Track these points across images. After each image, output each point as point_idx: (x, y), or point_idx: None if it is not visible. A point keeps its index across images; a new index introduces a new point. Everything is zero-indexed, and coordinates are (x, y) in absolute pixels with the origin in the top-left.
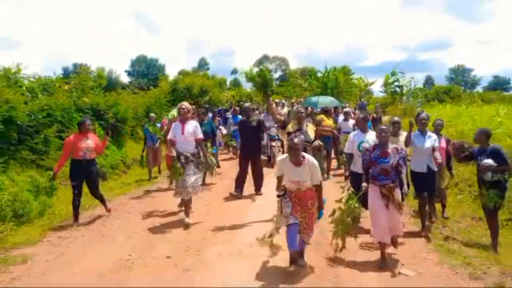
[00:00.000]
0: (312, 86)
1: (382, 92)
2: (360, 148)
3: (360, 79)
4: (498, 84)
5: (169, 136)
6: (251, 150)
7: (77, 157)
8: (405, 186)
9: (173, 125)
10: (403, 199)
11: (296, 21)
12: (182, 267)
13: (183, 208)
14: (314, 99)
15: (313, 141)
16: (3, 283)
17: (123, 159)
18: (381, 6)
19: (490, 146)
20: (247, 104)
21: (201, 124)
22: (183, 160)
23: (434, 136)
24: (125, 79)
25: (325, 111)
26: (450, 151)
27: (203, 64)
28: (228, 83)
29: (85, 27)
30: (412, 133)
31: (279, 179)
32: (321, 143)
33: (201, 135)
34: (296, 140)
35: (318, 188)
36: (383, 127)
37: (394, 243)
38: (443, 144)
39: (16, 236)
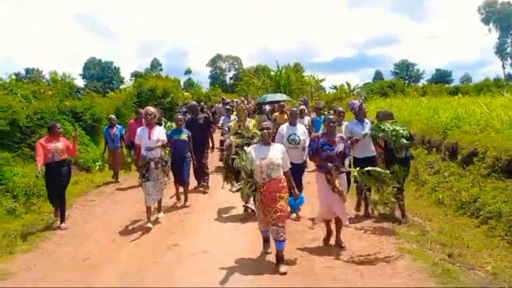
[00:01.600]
0: (266, 84)
1: (331, 88)
2: (289, 140)
3: (311, 77)
4: (440, 77)
5: (136, 141)
6: (201, 144)
7: (46, 159)
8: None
9: (139, 129)
10: (349, 185)
11: (248, 20)
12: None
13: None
14: (264, 96)
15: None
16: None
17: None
18: (330, 6)
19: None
20: (193, 102)
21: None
22: (153, 166)
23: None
24: (79, 82)
25: (280, 107)
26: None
27: (155, 65)
28: (182, 83)
29: (28, 31)
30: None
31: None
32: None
33: (165, 139)
34: (267, 122)
35: (288, 176)
36: (331, 117)
37: (338, 238)
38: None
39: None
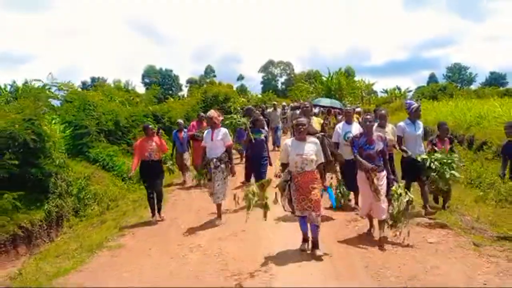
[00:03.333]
0: (318, 89)
1: (382, 92)
2: (346, 138)
3: (361, 81)
4: (494, 80)
5: (202, 143)
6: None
7: (143, 158)
8: (391, 175)
9: (205, 131)
10: (389, 185)
11: (299, 25)
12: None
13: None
14: (318, 99)
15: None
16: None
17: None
18: (384, 7)
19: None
20: (249, 106)
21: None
22: (212, 167)
23: (421, 124)
24: (141, 90)
25: (328, 111)
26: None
27: (209, 72)
28: (234, 89)
29: (86, 39)
30: (403, 122)
31: (284, 166)
32: (325, 134)
33: (230, 142)
34: (301, 119)
35: (320, 169)
36: (368, 116)
37: (381, 229)
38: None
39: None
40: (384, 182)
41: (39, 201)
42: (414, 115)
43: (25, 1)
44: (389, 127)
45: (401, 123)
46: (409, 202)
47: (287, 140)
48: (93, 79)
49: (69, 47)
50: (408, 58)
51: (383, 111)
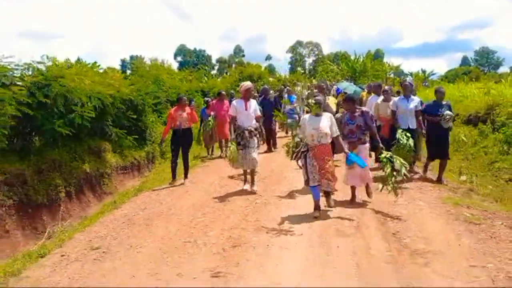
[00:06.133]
0: (343, 70)
1: (407, 74)
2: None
3: (386, 63)
4: None
5: (231, 112)
6: (270, 118)
7: (175, 126)
8: (380, 144)
9: (234, 102)
10: (373, 151)
11: (329, 4)
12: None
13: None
14: (339, 84)
15: (336, 113)
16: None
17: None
18: None
19: (446, 101)
20: (265, 86)
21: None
22: (247, 135)
23: (417, 99)
24: (175, 67)
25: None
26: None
27: (238, 52)
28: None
29: (118, 19)
30: (397, 98)
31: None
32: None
33: (259, 113)
34: (318, 96)
35: (337, 138)
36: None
37: (368, 193)
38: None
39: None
40: (365, 152)
41: (141, 145)
42: (404, 92)
43: None
44: (392, 100)
45: (395, 99)
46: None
47: (305, 115)
48: (131, 57)
49: (98, 25)
50: (442, 40)
51: (386, 87)
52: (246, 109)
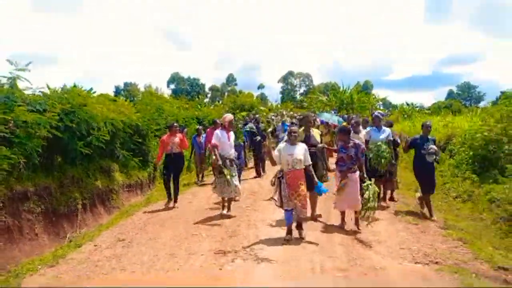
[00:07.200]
0: (331, 101)
1: (393, 108)
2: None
3: (372, 96)
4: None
5: (214, 141)
6: (259, 143)
7: (167, 151)
8: (364, 174)
9: (219, 132)
10: (361, 181)
11: (321, 36)
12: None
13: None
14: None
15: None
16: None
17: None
18: (406, 21)
19: (431, 136)
20: (256, 115)
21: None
22: (228, 163)
23: (388, 130)
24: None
25: (327, 123)
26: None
27: (231, 80)
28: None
29: (113, 46)
30: (369, 128)
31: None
32: (326, 146)
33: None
34: (293, 127)
35: (309, 167)
36: (343, 126)
37: (356, 224)
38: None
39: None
40: (355, 180)
41: (144, 166)
42: (374, 123)
43: (54, 2)
44: (363, 133)
45: (368, 129)
46: (377, 194)
47: (281, 144)
48: (125, 84)
49: (95, 51)
50: (430, 73)
51: (356, 119)
52: (228, 139)
